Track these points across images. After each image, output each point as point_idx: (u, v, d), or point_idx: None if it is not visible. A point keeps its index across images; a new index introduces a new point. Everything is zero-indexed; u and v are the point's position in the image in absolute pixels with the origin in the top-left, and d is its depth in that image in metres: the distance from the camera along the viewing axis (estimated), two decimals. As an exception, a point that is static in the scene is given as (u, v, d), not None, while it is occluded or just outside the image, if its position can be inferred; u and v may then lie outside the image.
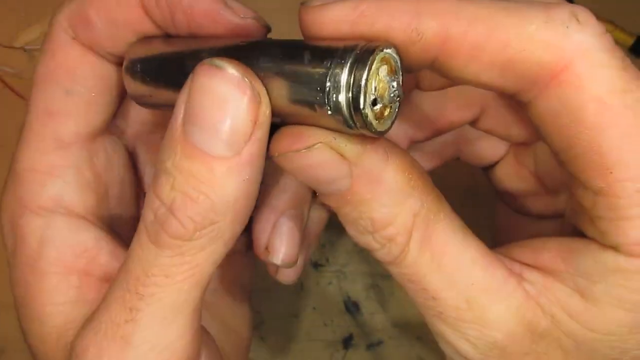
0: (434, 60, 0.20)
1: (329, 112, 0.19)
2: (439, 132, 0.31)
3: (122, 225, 0.28)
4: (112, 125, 0.28)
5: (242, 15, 0.23)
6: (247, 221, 0.22)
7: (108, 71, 0.26)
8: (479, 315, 0.22)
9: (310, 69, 0.19)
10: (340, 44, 0.20)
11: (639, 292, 0.20)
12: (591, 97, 0.19)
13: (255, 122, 0.20)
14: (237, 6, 0.23)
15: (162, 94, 0.24)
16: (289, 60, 0.20)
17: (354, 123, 0.19)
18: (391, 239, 0.22)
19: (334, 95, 0.19)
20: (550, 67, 0.19)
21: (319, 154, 0.20)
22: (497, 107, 0.29)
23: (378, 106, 0.19)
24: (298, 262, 0.31)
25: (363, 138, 0.21)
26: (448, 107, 0.30)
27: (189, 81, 0.20)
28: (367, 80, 0.19)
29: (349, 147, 0.21)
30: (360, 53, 0.19)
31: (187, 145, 0.19)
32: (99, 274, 0.25)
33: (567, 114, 0.19)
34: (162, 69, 0.24)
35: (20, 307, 0.25)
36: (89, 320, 0.22)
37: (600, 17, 0.56)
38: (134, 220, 0.30)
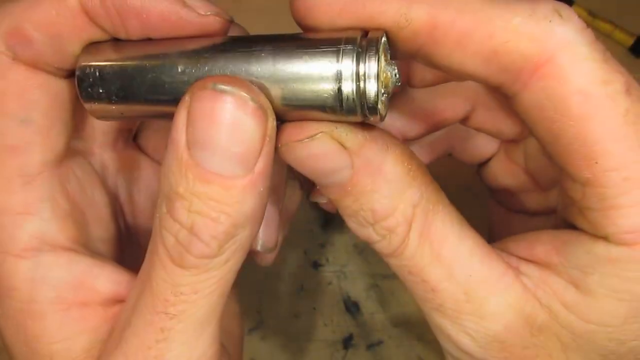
0: (420, 48, 0.21)
1: (339, 108, 0.20)
2: (431, 130, 0.31)
3: (104, 245, 0.28)
4: (73, 142, 0.26)
5: (202, 13, 0.21)
6: (260, 225, 0.22)
7: (60, 87, 0.24)
8: (477, 307, 0.22)
9: (315, 69, 0.20)
10: (340, 36, 0.20)
11: (632, 281, 0.20)
12: (574, 89, 0.19)
13: (264, 138, 0.20)
14: (196, 3, 0.22)
15: (131, 109, 0.23)
16: (287, 62, 0.20)
17: (362, 113, 0.20)
18: (391, 229, 0.22)
19: (345, 91, 0.19)
20: (533, 60, 0.19)
21: (320, 143, 0.21)
22: (487, 105, 0.30)
23: (383, 90, 0.20)
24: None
25: (363, 128, 0.21)
26: (439, 105, 0.30)
27: (185, 104, 0.20)
28: (378, 72, 0.19)
29: (350, 137, 0.21)
30: (365, 45, 0.19)
31: (199, 171, 0.19)
32: (99, 300, 0.24)
33: (551, 106, 0.20)
34: (128, 81, 0.22)
35: (20, 353, 0.24)
36: (115, 346, 0.22)
37: (600, 17, 0.56)
38: (116, 238, 0.29)
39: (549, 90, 0.20)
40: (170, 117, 0.20)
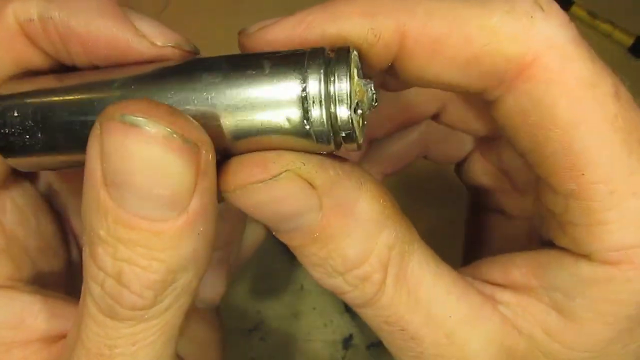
0: (394, 62, 0.19)
1: (308, 137, 0.17)
2: (400, 127, 0.30)
3: (54, 275, 0.26)
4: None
5: (159, 43, 0.19)
6: (210, 259, 0.19)
7: None
8: (460, 348, 0.20)
9: (276, 90, 0.17)
10: (304, 50, 0.17)
11: (618, 304, 0.19)
12: (561, 92, 0.18)
13: (197, 175, 0.16)
14: (152, 31, 0.19)
15: (61, 157, 0.19)
16: (243, 83, 0.17)
17: (335, 140, 0.17)
18: (366, 278, 0.19)
19: (314, 115, 0.16)
20: (517, 61, 0.18)
21: (286, 184, 0.17)
22: (459, 102, 0.28)
23: (359, 113, 0.17)
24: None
25: (333, 161, 0.19)
26: (409, 102, 0.28)
27: (96, 132, 0.16)
28: (351, 85, 0.16)
29: (320, 174, 0.18)
30: (335, 56, 0.17)
31: (120, 214, 0.16)
32: (42, 337, 0.22)
33: (537, 111, 0.18)
34: (56, 120, 0.18)
35: None
36: None
37: (600, 17, 0.56)
38: (66, 264, 0.27)
39: (534, 94, 0.18)
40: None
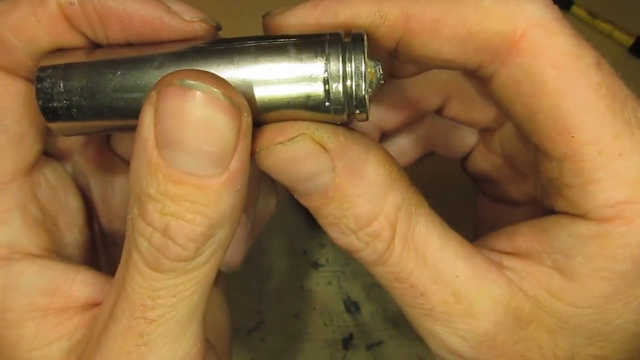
0: (399, 42, 0.21)
1: (326, 108, 0.20)
2: (407, 121, 0.32)
3: (78, 250, 0.28)
4: (45, 147, 0.26)
5: (188, 18, 0.21)
6: (240, 219, 0.22)
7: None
8: (467, 307, 0.22)
9: (301, 67, 0.19)
10: (323, 35, 0.20)
11: (613, 259, 0.20)
12: (548, 63, 0.20)
13: (238, 135, 0.19)
14: (181, 8, 0.21)
15: (103, 124, 0.21)
16: (271, 61, 0.20)
17: (349, 111, 0.20)
18: (376, 235, 0.22)
19: (334, 90, 0.19)
20: (508, 36, 0.20)
21: (302, 145, 0.20)
22: (460, 94, 0.30)
23: (369, 89, 0.20)
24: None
25: (343, 129, 0.21)
26: (413, 96, 0.30)
27: (151, 100, 0.19)
28: (366, 66, 0.19)
29: (331, 139, 0.21)
30: (351, 42, 0.20)
31: (171, 172, 0.19)
32: (75, 305, 0.24)
33: (528, 81, 0.20)
34: (102, 92, 0.20)
35: None
36: (93, 352, 0.22)
37: (600, 17, 0.56)
38: (90, 242, 0.29)
39: (525, 65, 0.20)
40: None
